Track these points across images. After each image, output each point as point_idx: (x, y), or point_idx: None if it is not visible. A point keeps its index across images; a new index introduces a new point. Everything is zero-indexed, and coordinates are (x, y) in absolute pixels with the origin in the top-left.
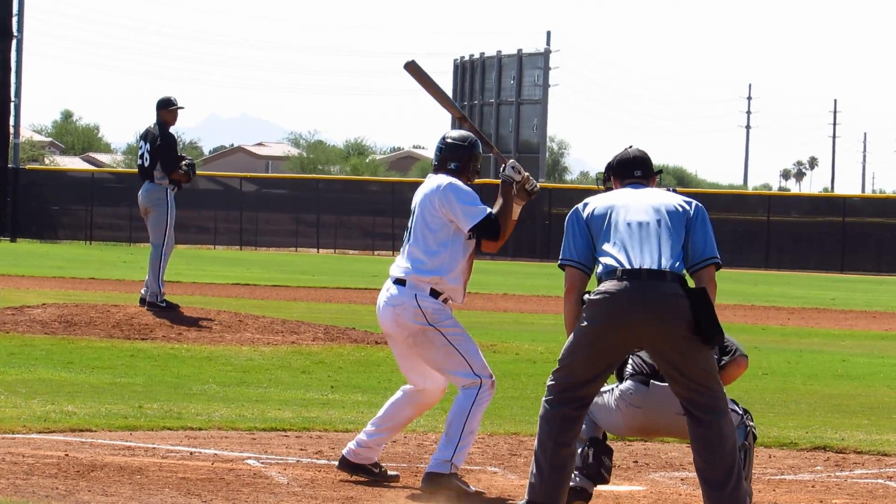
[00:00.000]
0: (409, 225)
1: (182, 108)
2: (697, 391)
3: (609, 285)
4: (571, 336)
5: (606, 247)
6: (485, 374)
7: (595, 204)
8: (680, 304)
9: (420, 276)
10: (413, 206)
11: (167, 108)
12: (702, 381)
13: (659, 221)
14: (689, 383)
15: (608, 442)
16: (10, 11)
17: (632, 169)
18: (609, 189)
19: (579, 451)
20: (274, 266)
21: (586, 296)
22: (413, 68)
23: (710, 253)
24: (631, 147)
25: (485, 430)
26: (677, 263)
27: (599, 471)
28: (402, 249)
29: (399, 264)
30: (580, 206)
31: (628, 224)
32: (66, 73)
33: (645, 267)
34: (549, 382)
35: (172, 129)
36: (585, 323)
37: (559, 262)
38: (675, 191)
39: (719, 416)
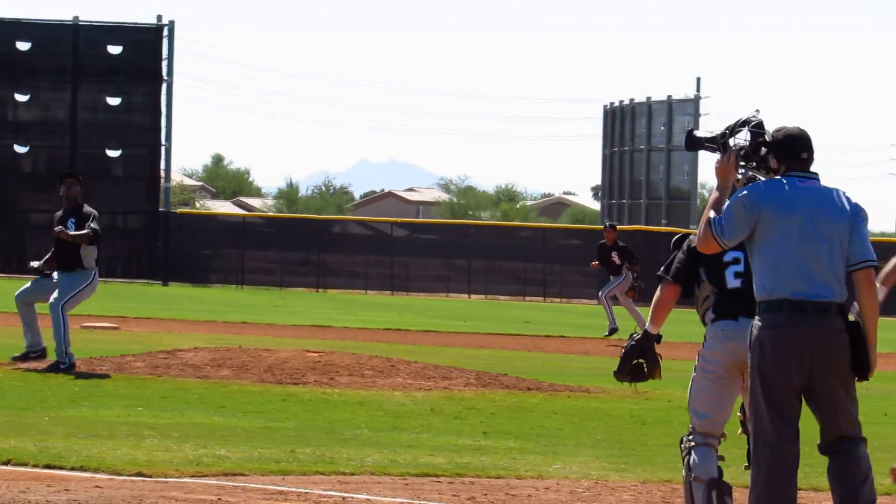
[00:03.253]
0: None
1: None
2: (837, 416)
3: (774, 318)
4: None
5: (765, 260)
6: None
7: (766, 196)
8: (843, 341)
9: None
10: None
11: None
12: (845, 406)
13: (833, 237)
14: (831, 410)
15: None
16: (159, 55)
17: (798, 151)
18: (752, 176)
19: (701, 494)
20: (425, 311)
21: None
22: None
23: (870, 255)
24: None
25: (637, 477)
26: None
27: None
28: None
29: None
30: (747, 190)
31: (803, 238)
32: (217, 117)
33: (812, 298)
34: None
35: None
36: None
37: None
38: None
39: (857, 443)
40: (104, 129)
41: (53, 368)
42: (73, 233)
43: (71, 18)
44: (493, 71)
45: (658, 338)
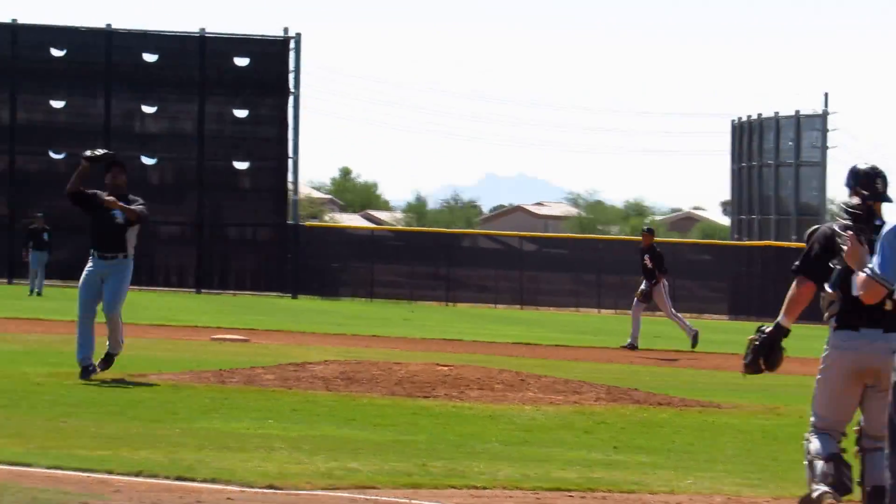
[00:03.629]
0: None
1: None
2: None
3: None
4: None
5: None
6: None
7: None
8: None
9: None
10: None
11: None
12: None
13: None
14: None
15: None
16: (286, 68)
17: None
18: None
19: (820, 466)
20: (555, 326)
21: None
22: None
23: None
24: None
25: (770, 493)
26: None
27: (843, 481)
28: None
29: None
30: (886, 229)
31: None
32: (345, 130)
33: None
34: None
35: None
36: None
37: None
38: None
39: None
40: (231, 140)
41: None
42: (125, 205)
43: (198, 30)
44: (622, 85)
45: (787, 332)
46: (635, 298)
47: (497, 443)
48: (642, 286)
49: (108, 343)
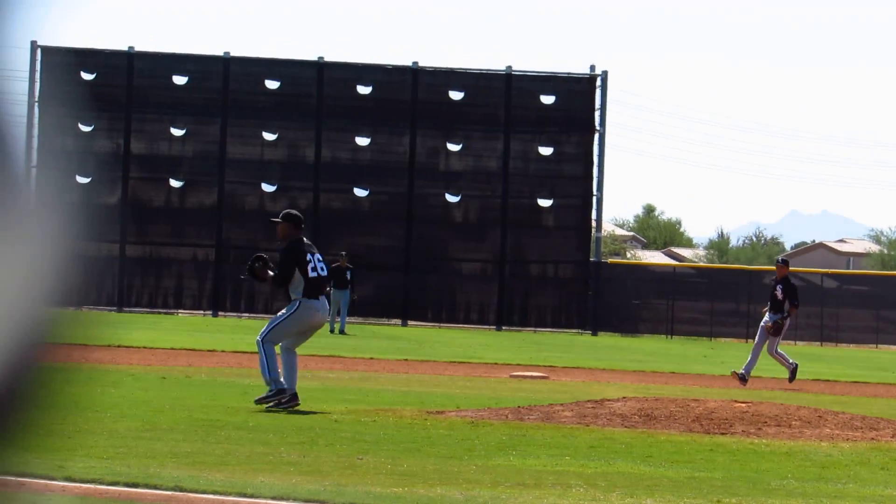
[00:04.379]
0: None
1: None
2: None
3: None
4: None
5: None
6: None
7: None
8: None
9: None
10: None
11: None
12: None
13: None
14: None
15: None
16: (592, 105)
17: None
18: None
19: None
20: (854, 362)
21: None
22: None
23: None
24: None
25: None
26: None
27: None
28: None
29: None
30: None
31: None
32: (649, 167)
33: None
34: None
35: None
36: None
37: None
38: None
39: None
40: (535, 178)
41: (263, 400)
42: (269, 273)
43: (504, 68)
44: None
45: None
46: (763, 329)
47: (793, 479)
48: (766, 317)
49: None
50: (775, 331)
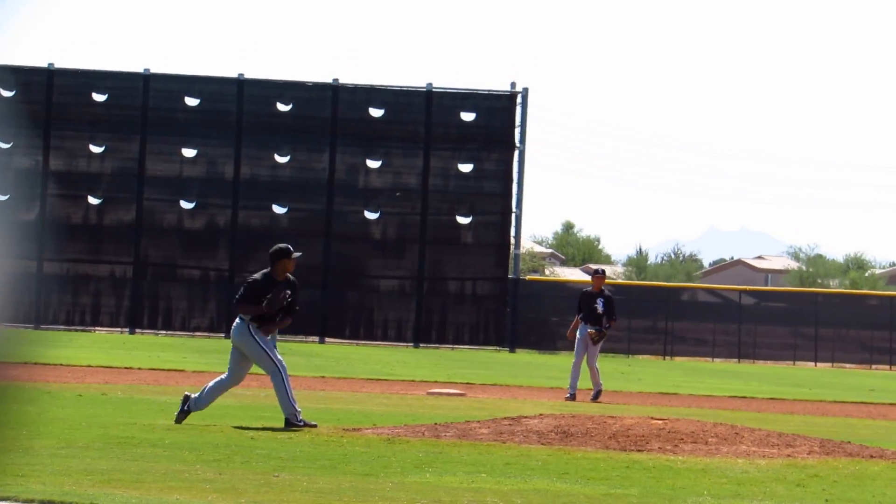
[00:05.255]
0: None
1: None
2: None
3: None
4: None
5: None
6: None
7: None
8: None
9: None
10: None
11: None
12: None
13: None
14: None
15: None
16: (512, 123)
17: None
18: None
19: None
20: (771, 379)
21: None
22: None
23: None
24: None
25: None
26: None
27: None
28: None
29: None
30: None
31: None
32: (570, 184)
33: None
34: None
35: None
36: None
37: None
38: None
39: None
40: (455, 195)
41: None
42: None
43: (425, 85)
44: (842, 137)
45: None
46: (580, 342)
47: (708, 496)
48: (586, 330)
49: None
50: (598, 339)
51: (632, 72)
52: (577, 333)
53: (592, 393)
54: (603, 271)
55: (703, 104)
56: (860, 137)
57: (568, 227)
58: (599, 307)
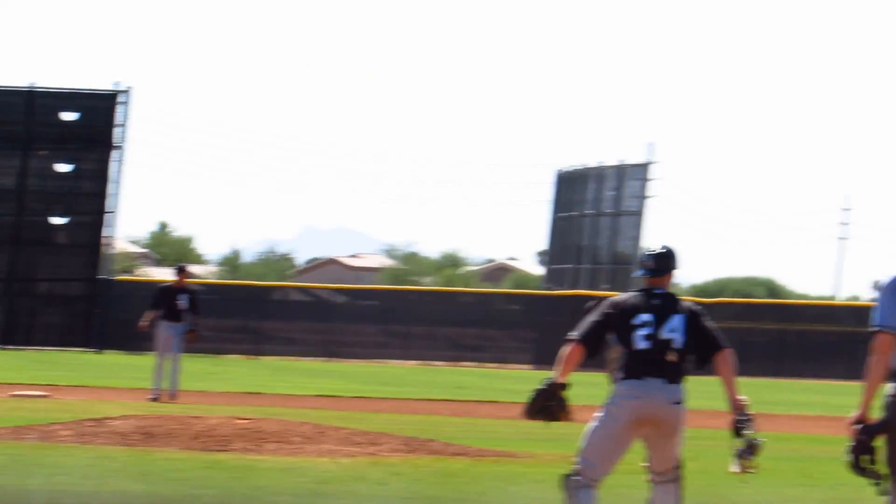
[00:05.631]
0: None
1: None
2: None
3: None
4: None
5: None
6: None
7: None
8: None
9: None
10: None
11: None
12: None
13: None
14: None
15: None
16: (111, 122)
17: None
18: None
19: None
20: (359, 377)
21: None
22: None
23: None
24: None
25: None
26: None
27: None
28: None
29: None
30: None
31: None
32: (168, 184)
33: None
34: None
35: None
36: None
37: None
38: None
39: None
40: (52, 196)
41: None
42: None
43: (27, 85)
44: (443, 136)
45: (563, 386)
46: (165, 341)
47: (289, 496)
48: (165, 329)
49: None
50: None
51: (237, 70)
52: (162, 332)
53: (170, 392)
54: (183, 267)
55: (303, 102)
56: (457, 134)
57: (163, 226)
58: (182, 304)
